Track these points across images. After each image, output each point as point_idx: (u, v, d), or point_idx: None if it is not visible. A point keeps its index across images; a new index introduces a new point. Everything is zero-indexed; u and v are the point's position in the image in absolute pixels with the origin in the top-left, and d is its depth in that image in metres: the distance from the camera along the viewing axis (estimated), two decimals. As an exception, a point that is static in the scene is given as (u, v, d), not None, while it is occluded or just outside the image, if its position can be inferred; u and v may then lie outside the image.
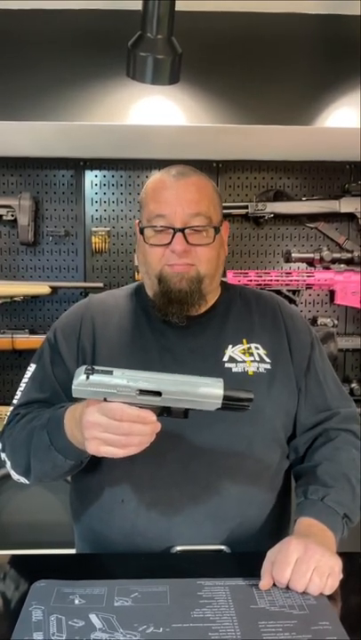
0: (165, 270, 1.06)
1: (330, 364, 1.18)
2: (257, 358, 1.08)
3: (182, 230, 1.03)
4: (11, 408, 1.13)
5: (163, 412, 0.85)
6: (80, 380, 0.83)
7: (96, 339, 1.11)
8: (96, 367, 0.83)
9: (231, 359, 1.07)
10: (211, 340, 1.09)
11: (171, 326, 1.09)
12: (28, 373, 1.15)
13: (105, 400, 0.84)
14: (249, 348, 1.09)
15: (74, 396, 0.86)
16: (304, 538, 0.88)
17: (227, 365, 1.06)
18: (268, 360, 1.08)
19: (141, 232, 1.08)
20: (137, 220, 1.14)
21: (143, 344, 1.09)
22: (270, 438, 1.07)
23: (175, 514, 1.02)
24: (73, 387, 0.84)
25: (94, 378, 0.83)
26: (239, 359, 1.07)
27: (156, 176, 1.11)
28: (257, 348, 1.09)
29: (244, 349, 1.09)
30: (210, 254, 1.06)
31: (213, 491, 1.02)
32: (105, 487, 1.06)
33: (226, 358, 1.07)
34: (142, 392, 0.82)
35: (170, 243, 1.04)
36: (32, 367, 1.15)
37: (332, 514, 0.95)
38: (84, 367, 0.84)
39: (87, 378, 0.82)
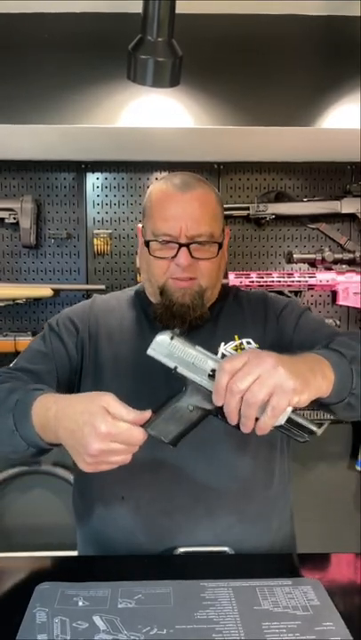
0: (169, 284, 1.08)
1: (326, 323, 1.19)
2: None
3: (187, 245, 1.05)
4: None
5: (216, 413, 0.84)
6: (163, 338, 0.85)
7: (99, 336, 1.13)
8: (181, 335, 0.86)
9: (223, 357, 1.08)
10: (205, 339, 1.09)
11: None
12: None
13: (175, 368, 0.85)
14: (241, 343, 1.11)
15: (149, 353, 0.87)
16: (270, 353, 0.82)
17: None
18: None
19: (146, 244, 1.09)
20: (139, 225, 1.15)
21: (143, 344, 1.10)
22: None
23: (175, 511, 1.02)
24: (153, 344, 0.85)
25: (177, 342, 0.85)
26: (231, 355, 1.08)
27: (160, 186, 1.12)
28: (249, 343, 1.11)
29: (236, 346, 1.10)
30: (212, 268, 1.09)
31: (212, 487, 1.03)
32: (105, 485, 1.07)
33: (218, 356, 1.08)
34: (212, 376, 0.83)
35: (175, 256, 1.06)
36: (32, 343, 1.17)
37: (334, 353, 0.91)
38: (167, 331, 0.87)
39: (171, 338, 0.85)
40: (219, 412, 0.83)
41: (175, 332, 0.86)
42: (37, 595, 0.84)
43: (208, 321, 1.13)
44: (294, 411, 0.81)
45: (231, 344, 1.10)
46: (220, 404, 0.80)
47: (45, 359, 1.11)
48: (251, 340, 1.11)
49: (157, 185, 1.13)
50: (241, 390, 0.77)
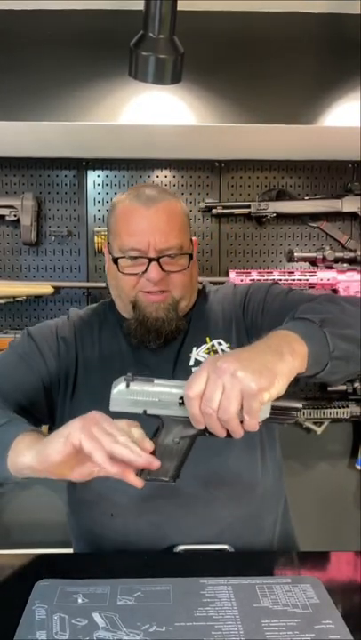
0: (140, 297, 1.07)
1: (295, 290, 1.14)
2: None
3: (157, 259, 1.04)
4: None
5: (203, 432, 0.81)
6: (120, 388, 0.79)
7: (78, 356, 1.11)
8: (135, 376, 0.80)
9: (197, 362, 1.08)
10: (178, 347, 1.10)
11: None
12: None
13: (145, 412, 0.80)
14: (212, 345, 1.09)
15: (111, 408, 0.80)
16: (223, 354, 0.80)
17: (194, 369, 1.03)
18: None
19: (115, 261, 1.07)
20: (105, 242, 1.13)
21: (121, 362, 1.09)
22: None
23: (164, 523, 1.02)
24: (112, 397, 0.80)
25: (135, 386, 0.79)
26: (203, 360, 1.05)
27: (124, 201, 1.10)
28: (220, 344, 1.09)
29: (208, 349, 1.09)
30: (184, 279, 1.08)
31: (203, 495, 1.02)
32: (94, 503, 1.06)
33: (192, 362, 1.08)
34: (182, 403, 0.79)
35: (145, 271, 1.04)
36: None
37: (301, 322, 0.86)
38: (122, 377, 0.80)
39: (127, 386, 0.79)
40: (205, 430, 0.80)
41: (129, 378, 0.80)
42: (37, 591, 0.84)
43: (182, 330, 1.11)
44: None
45: (203, 347, 1.09)
46: (202, 428, 0.79)
47: (26, 370, 1.11)
48: (221, 341, 1.10)
49: (121, 200, 1.11)
50: (215, 410, 0.75)
